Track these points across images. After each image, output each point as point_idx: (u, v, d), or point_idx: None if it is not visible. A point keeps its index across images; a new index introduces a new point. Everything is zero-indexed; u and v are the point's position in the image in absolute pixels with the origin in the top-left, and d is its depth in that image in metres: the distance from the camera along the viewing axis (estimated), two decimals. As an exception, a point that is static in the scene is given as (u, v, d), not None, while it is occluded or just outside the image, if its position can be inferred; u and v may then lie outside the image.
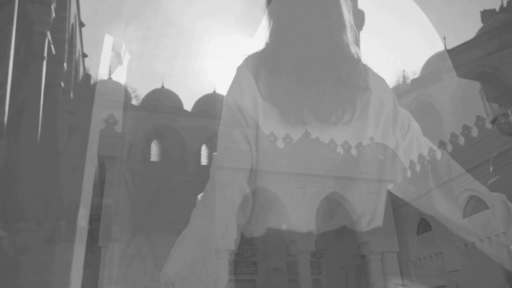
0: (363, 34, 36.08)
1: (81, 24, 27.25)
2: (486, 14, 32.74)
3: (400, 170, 14.09)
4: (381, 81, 17.36)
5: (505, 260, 10.76)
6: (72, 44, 24.42)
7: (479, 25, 33.76)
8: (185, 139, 29.96)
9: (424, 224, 14.18)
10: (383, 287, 12.73)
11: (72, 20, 23.78)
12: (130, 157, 24.06)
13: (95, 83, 28.19)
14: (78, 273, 15.25)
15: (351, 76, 15.96)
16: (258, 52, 16.46)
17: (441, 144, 13.01)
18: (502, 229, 10.80)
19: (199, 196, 14.08)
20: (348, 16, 17.09)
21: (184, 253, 13.30)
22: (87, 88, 27.41)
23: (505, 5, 32.48)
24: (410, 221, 14.76)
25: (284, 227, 12.92)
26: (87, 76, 30.35)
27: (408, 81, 38.71)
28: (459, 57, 31.63)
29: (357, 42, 17.30)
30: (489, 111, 11.95)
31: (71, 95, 23.93)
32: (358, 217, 13.48)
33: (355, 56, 16.57)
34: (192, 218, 13.47)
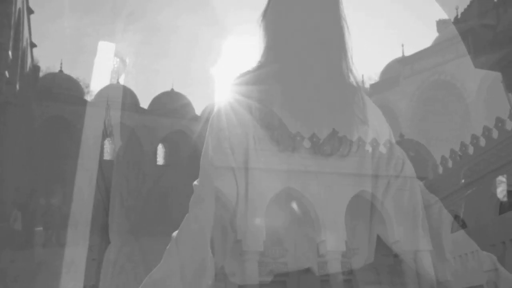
0: None
1: (30, 11, 25.09)
2: (441, 24, 33.20)
3: (431, 167, 13.75)
4: (378, 113, 16.37)
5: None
6: (18, 31, 22.59)
7: (436, 34, 34.25)
8: (141, 137, 28.90)
9: (458, 221, 13.79)
10: (417, 287, 12.42)
11: (19, 4, 21.93)
12: (82, 155, 23.48)
13: (45, 75, 27.01)
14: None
15: (348, 104, 15.05)
16: (249, 72, 15.66)
17: (474, 139, 12.63)
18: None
19: (196, 182, 13.49)
20: (348, 39, 16.25)
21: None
22: (35, 80, 26.18)
23: (459, 16, 33.40)
24: (443, 218, 14.42)
25: (312, 226, 12.77)
26: (36, 68, 28.86)
27: (367, 86, 38.98)
28: (417, 64, 32.26)
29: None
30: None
31: (17, 86, 22.49)
32: (388, 215, 13.22)
33: (354, 84, 15.71)
34: (195, 212, 12.93)
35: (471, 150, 13.13)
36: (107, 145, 28.74)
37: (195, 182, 15.78)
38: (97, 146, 27.37)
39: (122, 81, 31.60)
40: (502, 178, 12.55)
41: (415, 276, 14.64)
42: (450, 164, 13.69)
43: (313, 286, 15.04)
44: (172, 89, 33.92)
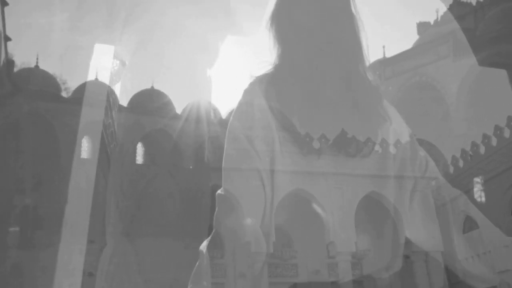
0: None
1: (4, 3, 24.60)
2: (421, 27, 33.60)
3: (442, 167, 13.59)
4: (395, 112, 16.03)
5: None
6: (-10, 24, 21.45)
7: (416, 36, 34.52)
8: (120, 135, 27.96)
9: (470, 222, 13.63)
10: (429, 288, 12.29)
11: (-9, -5, 20.79)
12: (61, 153, 22.93)
13: (20, 71, 26.18)
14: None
15: (371, 103, 14.68)
16: (266, 74, 15.06)
17: (485, 138, 12.49)
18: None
19: (220, 191, 13.34)
20: (364, 36, 15.71)
21: None
22: (8, 74, 25.31)
23: (439, 19, 34.25)
24: (455, 219, 14.23)
25: (322, 227, 12.71)
26: (10, 62, 28.07)
27: None
28: (398, 66, 32.50)
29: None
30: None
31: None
32: (399, 216, 13.11)
33: (373, 83, 15.24)
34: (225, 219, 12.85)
35: (482, 149, 13.03)
36: (85, 144, 27.81)
37: (220, 191, 15.10)
38: (78, 145, 26.73)
39: (99, 78, 30.65)
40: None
41: (426, 277, 14.38)
42: (461, 163, 13.54)
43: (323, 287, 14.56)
44: (152, 87, 33.27)
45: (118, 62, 31.02)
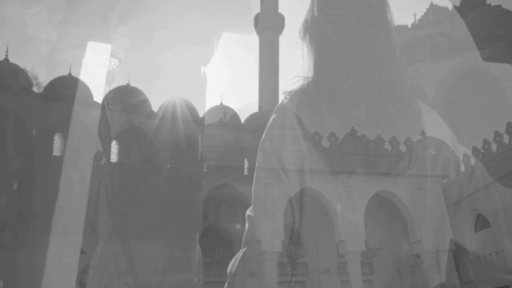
0: (282, 39, 35.64)
1: None
2: (399, 30, 33.89)
3: (453, 165, 13.45)
4: (436, 118, 15.25)
5: None
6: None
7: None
8: (95, 133, 26.88)
9: (482, 221, 13.49)
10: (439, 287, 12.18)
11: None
12: (33, 150, 22.29)
13: None
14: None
15: (405, 118, 14.43)
16: (299, 90, 14.89)
17: (497, 136, 12.36)
18: None
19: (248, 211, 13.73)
20: (397, 47, 15.04)
21: None
22: None
23: (417, 22, 34.74)
24: (466, 218, 14.08)
25: (332, 226, 12.66)
26: None
27: None
28: None
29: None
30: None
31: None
32: (409, 215, 13.01)
33: (409, 93, 14.67)
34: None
35: (494, 147, 12.93)
36: (57, 141, 27.01)
37: (248, 212, 15.56)
38: (44, 141, 25.77)
39: (73, 73, 29.82)
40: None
41: (437, 276, 14.17)
42: (472, 162, 13.44)
43: (333, 286, 14.75)
44: (128, 84, 32.73)
45: (116, 61, 30.73)
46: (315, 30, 15.29)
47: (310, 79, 14.93)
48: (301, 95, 14.57)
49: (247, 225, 13.73)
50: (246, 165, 26.94)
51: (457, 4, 31.37)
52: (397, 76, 14.67)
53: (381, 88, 14.17)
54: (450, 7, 32.39)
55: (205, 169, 27.04)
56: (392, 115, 14.16)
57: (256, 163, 13.02)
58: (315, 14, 15.50)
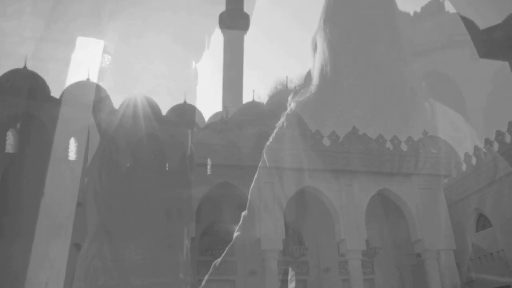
0: (247, 37, 36.08)
1: None
2: None
3: (455, 164, 13.43)
4: (455, 118, 15.30)
5: None
6: None
7: None
8: (52, 130, 25.92)
9: (484, 220, 13.46)
10: (440, 286, 12.17)
11: None
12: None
13: None
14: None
15: (408, 120, 14.75)
16: (306, 98, 15.21)
17: (499, 135, 12.33)
18: None
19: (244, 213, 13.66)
20: (407, 55, 15.00)
21: None
22: None
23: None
24: (468, 217, 14.05)
25: (333, 225, 12.64)
26: None
27: (291, 87, 39.62)
28: None
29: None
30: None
31: None
32: (411, 214, 12.99)
33: (420, 96, 14.71)
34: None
35: (495, 146, 12.87)
36: (10, 138, 26.39)
37: (244, 213, 15.65)
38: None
39: (29, 67, 29.06)
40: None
41: (438, 276, 14.22)
42: (474, 161, 13.36)
43: (334, 285, 14.82)
44: (88, 79, 32.26)
45: (109, 57, 30.59)
46: (323, 38, 15.54)
47: (318, 88, 15.00)
48: (307, 104, 14.64)
49: (239, 225, 13.62)
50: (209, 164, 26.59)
51: (418, 10, 32.27)
52: (404, 77, 14.68)
53: (385, 89, 14.21)
54: (412, 12, 33.03)
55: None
56: (395, 115, 14.19)
57: (260, 163, 13.02)
58: (322, 23, 15.70)
